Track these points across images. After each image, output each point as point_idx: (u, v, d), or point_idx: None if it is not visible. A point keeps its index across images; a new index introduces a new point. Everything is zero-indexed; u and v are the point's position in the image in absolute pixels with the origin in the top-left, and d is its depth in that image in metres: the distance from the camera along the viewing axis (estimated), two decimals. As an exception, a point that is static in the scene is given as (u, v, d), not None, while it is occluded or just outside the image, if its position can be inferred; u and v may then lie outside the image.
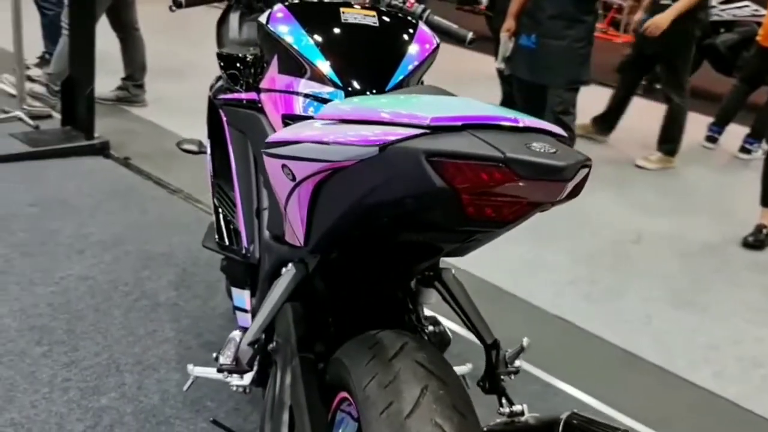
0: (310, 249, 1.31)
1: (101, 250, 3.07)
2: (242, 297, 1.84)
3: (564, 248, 3.74)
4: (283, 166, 1.23)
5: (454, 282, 1.43)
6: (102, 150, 4.12)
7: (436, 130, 1.03)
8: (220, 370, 1.33)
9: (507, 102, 5.05)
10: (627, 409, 2.44)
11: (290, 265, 1.37)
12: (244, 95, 1.82)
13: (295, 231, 1.31)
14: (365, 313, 1.43)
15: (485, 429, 1.35)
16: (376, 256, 1.31)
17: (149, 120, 4.84)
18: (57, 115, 4.34)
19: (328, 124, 1.14)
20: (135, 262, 3.00)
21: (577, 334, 2.95)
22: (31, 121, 4.26)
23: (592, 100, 5.27)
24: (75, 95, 4.11)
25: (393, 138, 1.02)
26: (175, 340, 2.50)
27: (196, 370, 1.64)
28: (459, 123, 1.03)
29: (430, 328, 1.60)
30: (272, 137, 1.27)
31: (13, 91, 4.59)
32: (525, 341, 1.42)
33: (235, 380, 1.74)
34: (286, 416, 1.31)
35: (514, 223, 1.07)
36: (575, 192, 1.06)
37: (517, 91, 4.62)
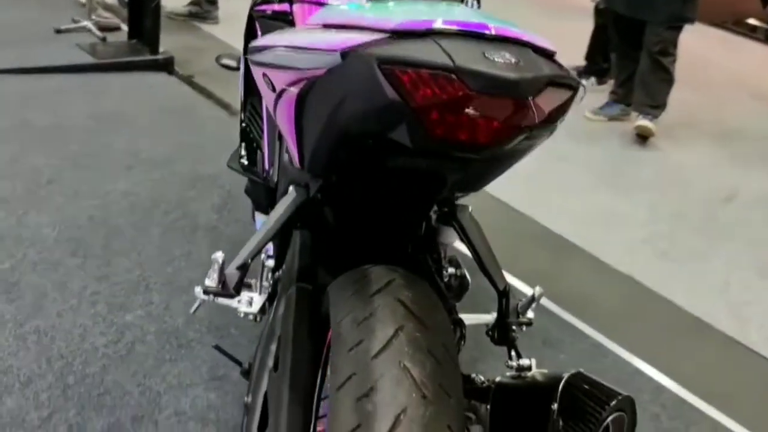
0: (307, 170, 1.25)
1: (150, 167, 3.11)
2: (263, 221, 1.80)
3: (644, 201, 3.54)
4: (264, 74, 1.17)
5: (470, 221, 1.34)
6: (166, 66, 4.16)
7: (400, 35, 0.95)
8: (205, 292, 1.30)
9: (597, 35, 4.77)
10: (686, 380, 2.30)
11: (291, 187, 1.32)
12: (276, 6, 1.75)
13: (290, 150, 1.25)
14: (373, 247, 1.36)
15: (494, 381, 1.28)
16: (375, 183, 1.24)
17: (219, 38, 4.84)
18: (125, 28, 4.40)
19: (309, 30, 1.07)
20: (182, 182, 3.03)
21: (643, 295, 2.80)
22: (98, 33, 4.34)
23: (696, 42, 4.90)
24: (142, 8, 4.14)
25: (353, 44, 0.95)
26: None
27: (203, 295, 1.63)
28: (423, 29, 0.95)
29: (450, 270, 1.52)
30: (254, 42, 1.20)
31: (83, 0, 4.68)
32: (537, 290, 1.32)
33: (243, 307, 1.72)
34: (274, 347, 1.28)
35: (495, 148, 0.98)
36: (554, 116, 0.97)
37: (613, 26, 4.35)
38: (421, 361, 0.94)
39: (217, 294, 1.28)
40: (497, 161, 1.08)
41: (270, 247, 1.80)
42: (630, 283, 2.87)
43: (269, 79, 1.15)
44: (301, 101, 1.09)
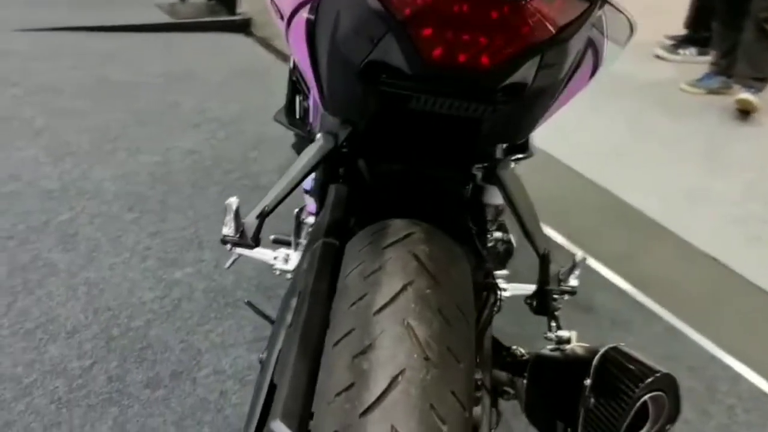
0: (330, 113, 1.16)
1: (216, 127, 3.11)
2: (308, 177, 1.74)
3: (740, 181, 3.28)
4: (271, 1, 1.09)
5: (513, 179, 1.22)
6: (243, 27, 4.16)
7: None
8: (223, 242, 1.25)
9: (699, 1, 4.48)
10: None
11: (319, 135, 1.24)
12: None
13: (311, 89, 1.17)
14: (408, 203, 1.27)
15: (531, 354, 1.18)
16: (402, 129, 1.14)
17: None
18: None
19: None
20: (246, 142, 3.01)
21: (729, 280, 2.59)
22: (178, -7, 4.38)
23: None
24: (221, -32, 4.16)
25: None
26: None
27: (238, 249, 1.58)
28: None
29: (496, 234, 1.42)
30: None
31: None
32: (578, 256, 1.19)
33: (279, 264, 1.67)
34: (294, 302, 1.21)
35: (502, 72, 0.86)
36: (564, 32, 0.84)
37: (717, -11, 4.06)
38: (428, 320, 0.85)
39: (235, 243, 1.22)
40: (522, 102, 0.96)
41: (312, 204, 1.74)
42: (716, 266, 2.66)
43: (276, 6, 1.07)
44: (310, 29, 1.01)
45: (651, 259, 2.66)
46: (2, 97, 3.28)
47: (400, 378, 0.79)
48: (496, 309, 1.20)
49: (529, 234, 1.19)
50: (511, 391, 1.23)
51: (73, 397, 1.75)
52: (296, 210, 1.71)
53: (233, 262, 1.64)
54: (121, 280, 2.16)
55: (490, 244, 1.40)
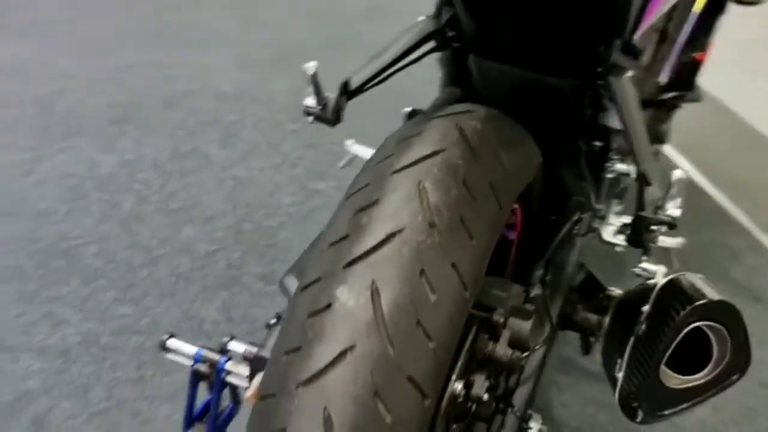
0: None
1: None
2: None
3: None
4: None
5: (626, 90, 1.08)
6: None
7: None
8: (306, 113, 1.23)
9: None
10: None
11: (422, 17, 1.18)
12: None
13: None
14: (514, 106, 1.19)
15: (619, 294, 1.06)
16: (508, 23, 1.05)
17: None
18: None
19: None
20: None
21: None
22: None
23: None
24: None
25: None
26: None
27: (354, 148, 1.57)
28: None
29: (617, 166, 1.28)
30: None
31: None
32: (676, 173, 1.02)
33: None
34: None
35: None
36: None
37: None
38: (446, 187, 0.77)
39: (316, 117, 1.19)
40: None
41: None
42: None
43: None
44: None
45: None
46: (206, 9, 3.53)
47: (395, 237, 0.73)
48: (577, 228, 1.08)
49: (632, 149, 1.06)
50: (597, 333, 1.13)
51: (192, 275, 1.85)
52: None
53: (348, 162, 1.63)
54: (266, 182, 2.24)
55: (610, 176, 1.27)
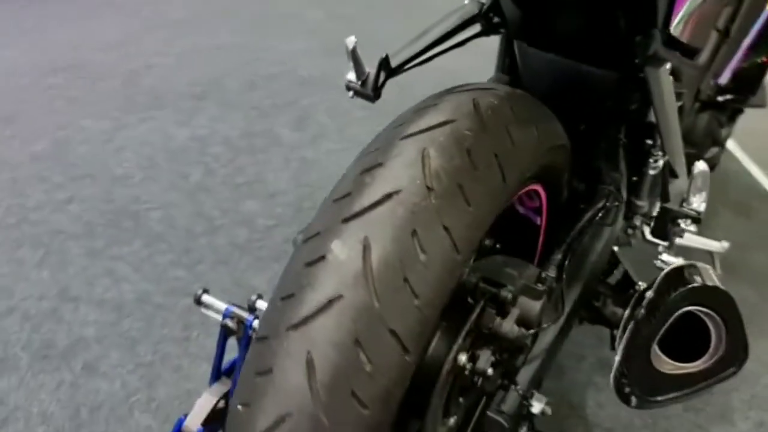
0: None
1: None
2: None
3: None
4: None
5: (660, 78, 1.07)
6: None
7: None
8: (347, 87, 1.27)
9: None
10: None
11: (467, 0, 1.21)
12: None
13: None
14: (555, 95, 1.20)
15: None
16: (548, 8, 1.06)
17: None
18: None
19: None
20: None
21: None
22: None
23: None
24: None
25: None
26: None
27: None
28: None
29: (653, 158, 1.27)
30: None
31: None
32: (698, 166, 1.00)
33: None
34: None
35: None
36: None
37: None
38: (450, 155, 0.80)
39: (356, 92, 1.23)
40: None
41: None
42: None
43: None
44: None
45: None
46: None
47: (392, 197, 0.76)
48: (607, 220, 1.07)
49: (663, 141, 1.05)
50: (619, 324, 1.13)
51: (248, 246, 1.93)
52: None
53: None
54: (331, 164, 2.30)
55: (653, 166, 1.26)
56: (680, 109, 1.24)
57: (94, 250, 1.88)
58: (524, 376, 0.95)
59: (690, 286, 0.76)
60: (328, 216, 0.78)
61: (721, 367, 0.79)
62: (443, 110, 0.86)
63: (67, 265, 1.82)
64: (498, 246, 1.22)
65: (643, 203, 1.27)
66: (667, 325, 0.77)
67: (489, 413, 0.91)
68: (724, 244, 1.34)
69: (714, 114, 1.50)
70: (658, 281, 0.83)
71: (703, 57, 1.35)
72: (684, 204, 1.03)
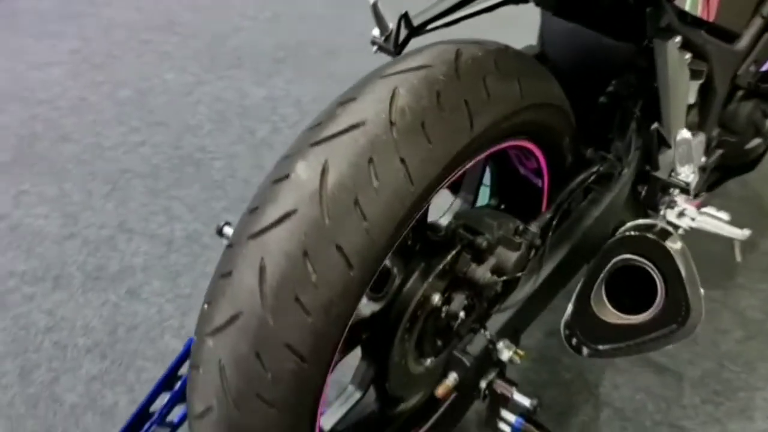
0: None
1: None
2: None
3: None
4: None
5: (668, 50, 1.07)
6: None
7: None
8: (372, 42, 1.33)
9: None
10: None
11: None
12: None
13: None
14: (575, 64, 1.23)
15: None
16: None
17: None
18: None
19: None
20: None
21: None
22: None
23: None
24: None
25: None
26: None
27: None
28: None
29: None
30: None
31: None
32: (681, 133, 1.00)
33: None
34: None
35: None
36: None
37: None
38: (418, 95, 0.85)
39: (380, 47, 1.30)
40: None
41: None
42: None
43: None
44: None
45: None
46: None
47: (357, 128, 0.83)
48: (608, 186, 1.09)
49: (661, 110, 1.07)
50: None
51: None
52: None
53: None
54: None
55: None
56: (705, 90, 1.24)
57: (156, 190, 2.02)
58: (495, 322, 1.00)
59: (627, 234, 0.78)
60: (301, 141, 0.86)
61: (660, 322, 0.81)
62: (425, 56, 0.92)
63: (129, 201, 1.97)
64: (502, 207, 1.26)
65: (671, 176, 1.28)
66: (606, 273, 0.80)
67: (454, 352, 0.97)
68: (746, 232, 1.34)
69: (758, 103, 1.48)
70: (613, 240, 0.85)
71: (743, 42, 1.34)
72: (672, 174, 1.05)
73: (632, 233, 0.79)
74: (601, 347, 0.86)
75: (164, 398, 1.29)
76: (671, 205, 1.05)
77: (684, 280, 0.79)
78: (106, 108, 2.40)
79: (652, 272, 0.80)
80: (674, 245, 0.79)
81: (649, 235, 0.80)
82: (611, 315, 0.84)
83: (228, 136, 2.29)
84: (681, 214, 1.28)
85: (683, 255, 0.80)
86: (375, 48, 1.33)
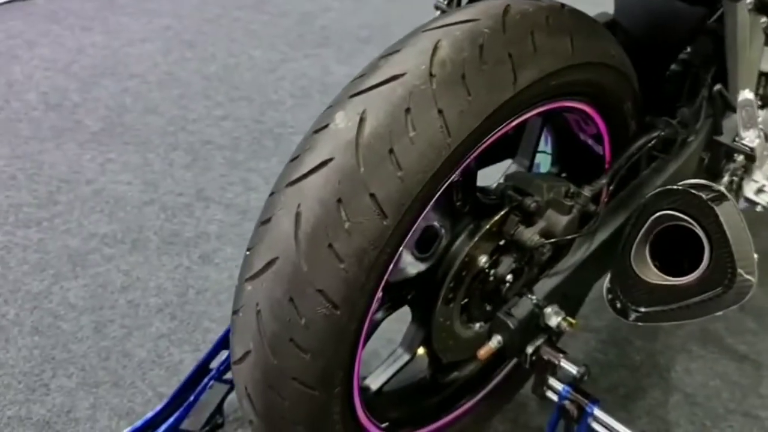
0: None
1: None
2: None
3: None
4: None
5: (737, 13, 1.02)
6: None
7: None
8: (435, 8, 1.33)
9: None
10: None
11: None
12: None
13: None
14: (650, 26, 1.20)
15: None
16: None
17: None
18: None
19: None
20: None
21: None
22: None
23: None
24: None
25: None
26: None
27: None
28: None
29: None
30: None
31: None
32: (743, 94, 0.95)
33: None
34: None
35: None
36: None
37: None
38: (460, 47, 0.85)
39: (443, 12, 1.30)
40: None
41: None
42: None
43: None
44: None
45: None
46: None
47: (397, 79, 0.83)
48: (672, 153, 1.06)
49: (728, 74, 1.03)
50: None
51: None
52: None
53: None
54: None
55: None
56: None
57: (235, 161, 2.09)
58: (543, 287, 0.99)
59: (667, 188, 0.75)
60: (343, 92, 0.88)
61: (706, 284, 0.77)
62: (473, 11, 0.91)
63: (208, 171, 2.04)
64: (563, 176, 1.24)
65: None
66: (646, 229, 0.77)
67: (498, 314, 0.96)
68: None
69: None
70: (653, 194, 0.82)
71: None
72: (736, 139, 1.00)
73: (674, 187, 0.76)
74: (644, 309, 0.83)
75: (223, 355, 1.34)
76: (738, 174, 1.00)
77: (729, 240, 0.75)
78: (193, 82, 2.49)
79: (698, 232, 0.77)
80: (721, 204, 0.76)
81: (691, 190, 0.76)
82: (654, 275, 0.81)
83: (308, 111, 2.33)
84: (760, 191, 1.22)
85: (731, 214, 0.76)
86: (438, 12, 1.33)
